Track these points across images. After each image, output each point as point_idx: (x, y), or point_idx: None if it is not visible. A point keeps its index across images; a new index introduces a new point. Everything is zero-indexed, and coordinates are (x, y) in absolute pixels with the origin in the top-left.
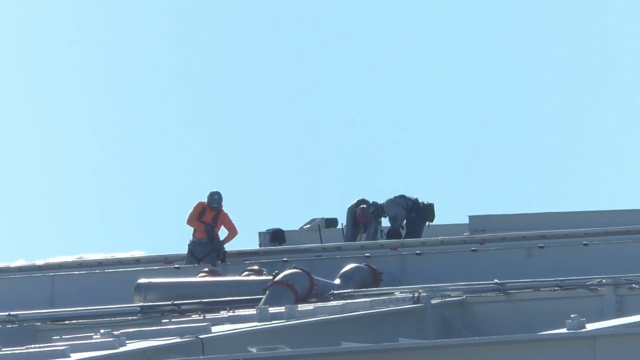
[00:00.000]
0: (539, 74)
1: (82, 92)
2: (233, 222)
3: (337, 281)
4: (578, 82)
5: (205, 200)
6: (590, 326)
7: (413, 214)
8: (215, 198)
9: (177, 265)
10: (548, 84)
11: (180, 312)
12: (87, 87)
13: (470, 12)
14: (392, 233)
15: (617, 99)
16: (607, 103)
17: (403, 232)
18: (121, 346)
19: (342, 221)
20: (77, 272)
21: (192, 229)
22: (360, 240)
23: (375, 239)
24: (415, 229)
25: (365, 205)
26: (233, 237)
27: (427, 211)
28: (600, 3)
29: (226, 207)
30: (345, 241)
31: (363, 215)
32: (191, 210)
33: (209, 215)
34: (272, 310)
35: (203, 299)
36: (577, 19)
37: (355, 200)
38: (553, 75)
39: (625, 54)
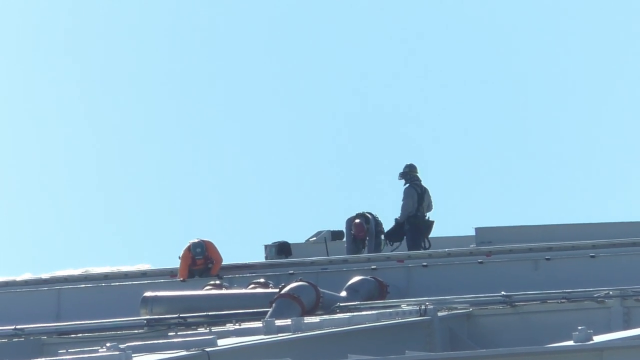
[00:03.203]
0: (545, 84)
1: (91, 103)
2: (218, 250)
3: (344, 294)
4: (583, 94)
5: (183, 251)
6: (597, 338)
7: (407, 226)
8: (198, 251)
9: (183, 279)
10: (553, 95)
11: (187, 325)
12: (94, 97)
13: (479, 23)
14: (396, 227)
15: (624, 112)
16: (613, 116)
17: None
18: (127, 359)
19: None
20: (83, 286)
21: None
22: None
23: (379, 251)
24: (409, 241)
25: (359, 220)
26: (219, 266)
27: (423, 226)
28: (606, 9)
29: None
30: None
31: (359, 230)
32: (180, 263)
33: (200, 262)
34: (278, 323)
35: (209, 311)
36: (595, 27)
37: (355, 214)
38: (558, 86)
39: (636, 63)
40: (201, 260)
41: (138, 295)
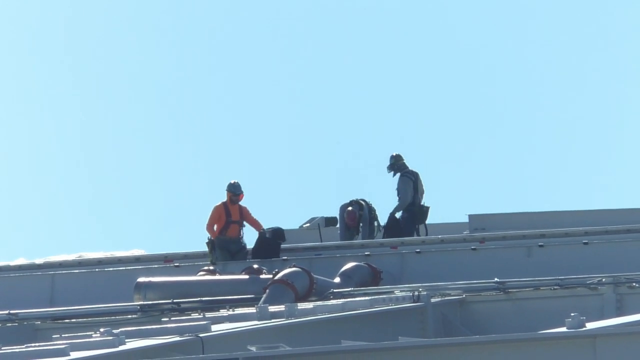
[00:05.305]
0: (537, 72)
1: (80, 91)
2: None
3: (337, 280)
4: (576, 81)
5: (217, 203)
6: (590, 325)
7: (405, 213)
8: (237, 185)
9: (177, 264)
10: (546, 82)
11: (180, 310)
12: (86, 87)
13: (469, 16)
14: (392, 218)
15: (616, 97)
16: (606, 101)
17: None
18: (121, 345)
19: None
20: (77, 271)
21: (220, 228)
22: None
23: (373, 238)
24: (406, 229)
25: (352, 208)
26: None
27: (419, 213)
28: (594, 3)
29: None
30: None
31: (350, 219)
32: (210, 214)
33: (235, 212)
34: (272, 309)
35: (203, 297)
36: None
37: (348, 201)
38: (551, 73)
39: (622, 51)
40: (235, 206)
41: (132, 280)
